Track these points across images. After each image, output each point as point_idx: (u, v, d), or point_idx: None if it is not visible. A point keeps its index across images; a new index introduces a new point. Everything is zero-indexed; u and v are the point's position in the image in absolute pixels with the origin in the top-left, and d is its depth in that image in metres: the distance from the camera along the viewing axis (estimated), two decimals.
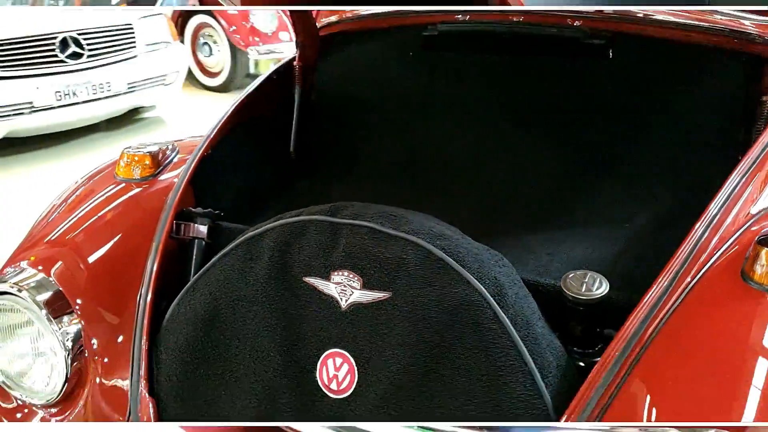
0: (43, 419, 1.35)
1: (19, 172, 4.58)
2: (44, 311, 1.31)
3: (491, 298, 1.06)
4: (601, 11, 1.81)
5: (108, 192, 1.55)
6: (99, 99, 4.84)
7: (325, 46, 2.05)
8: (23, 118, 4.57)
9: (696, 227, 1.16)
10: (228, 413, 1.19)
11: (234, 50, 6.31)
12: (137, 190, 1.56)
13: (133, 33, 5.03)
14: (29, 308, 1.32)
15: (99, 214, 1.50)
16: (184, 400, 1.22)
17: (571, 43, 1.73)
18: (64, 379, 1.31)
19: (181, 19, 6.52)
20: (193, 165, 1.53)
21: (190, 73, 6.28)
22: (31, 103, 4.54)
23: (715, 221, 1.18)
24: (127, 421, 1.25)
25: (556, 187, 1.70)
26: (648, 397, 0.99)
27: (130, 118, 5.57)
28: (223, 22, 6.24)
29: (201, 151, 1.57)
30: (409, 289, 1.09)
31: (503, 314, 1.05)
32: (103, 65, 4.84)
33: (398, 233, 1.12)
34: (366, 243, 1.13)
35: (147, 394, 1.23)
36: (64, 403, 1.33)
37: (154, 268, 1.35)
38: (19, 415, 1.37)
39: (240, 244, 1.23)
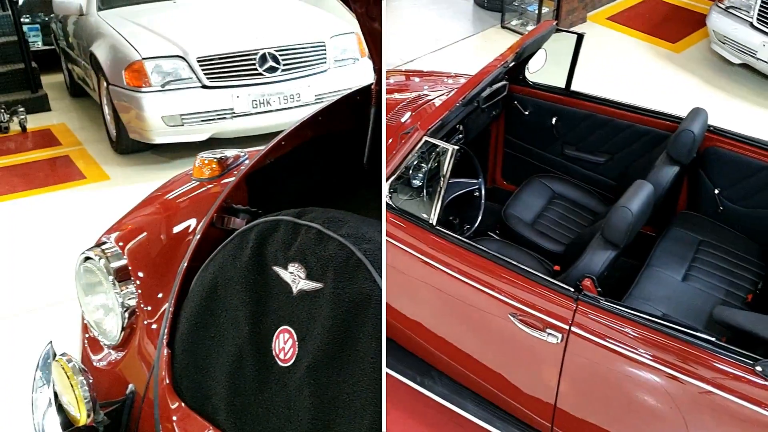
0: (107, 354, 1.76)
1: None
2: (111, 277, 1.71)
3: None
4: None
5: (183, 188, 1.94)
6: (290, 108, 5.44)
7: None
8: (226, 122, 5.30)
9: None
10: (214, 367, 1.50)
11: None
12: (206, 187, 1.93)
13: (324, 50, 5.57)
14: (102, 272, 1.73)
15: (172, 205, 1.89)
16: (187, 352, 1.54)
17: None
18: (121, 329, 1.70)
19: None
20: (245, 169, 1.86)
21: None
22: (232, 109, 5.26)
23: None
24: (150, 369, 1.61)
25: None
26: None
27: None
28: None
29: (257, 159, 1.90)
30: (333, 282, 1.32)
31: None
32: (295, 78, 5.43)
33: (335, 236, 1.36)
34: (312, 242, 1.38)
35: (166, 345, 1.58)
36: (121, 347, 1.73)
37: (191, 249, 1.69)
38: (95, 347, 1.80)
39: (237, 235, 1.54)
